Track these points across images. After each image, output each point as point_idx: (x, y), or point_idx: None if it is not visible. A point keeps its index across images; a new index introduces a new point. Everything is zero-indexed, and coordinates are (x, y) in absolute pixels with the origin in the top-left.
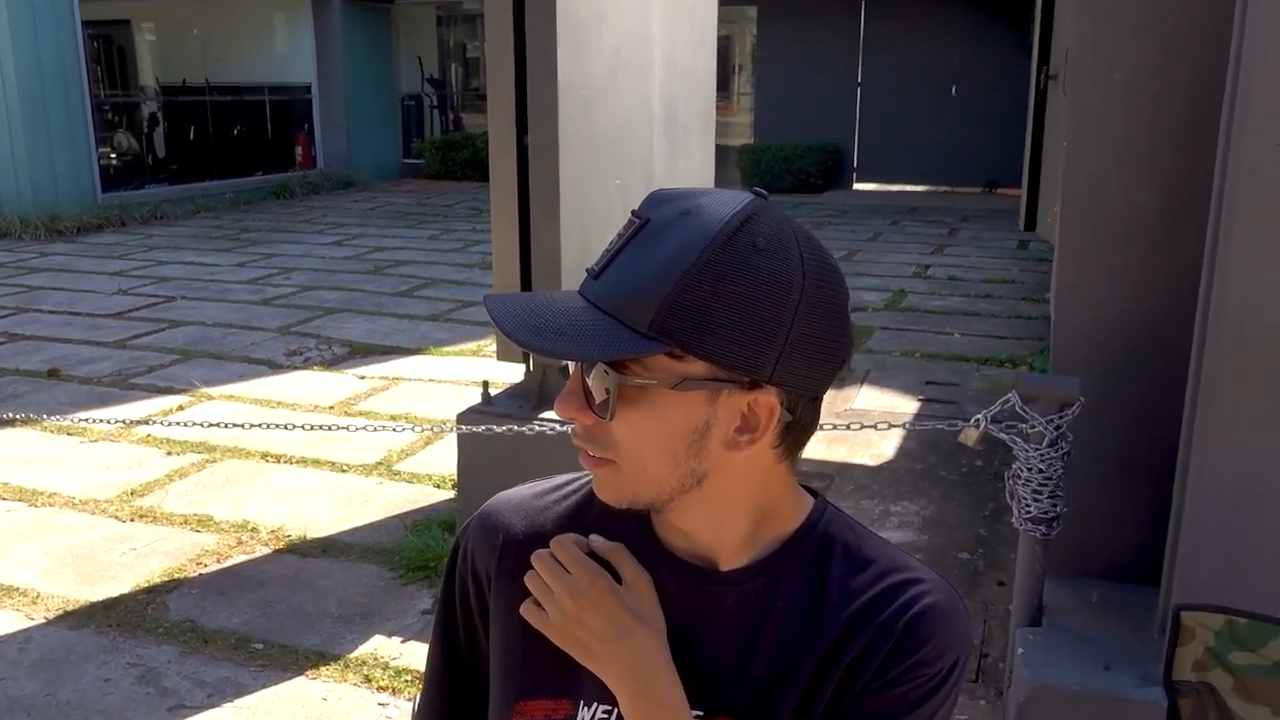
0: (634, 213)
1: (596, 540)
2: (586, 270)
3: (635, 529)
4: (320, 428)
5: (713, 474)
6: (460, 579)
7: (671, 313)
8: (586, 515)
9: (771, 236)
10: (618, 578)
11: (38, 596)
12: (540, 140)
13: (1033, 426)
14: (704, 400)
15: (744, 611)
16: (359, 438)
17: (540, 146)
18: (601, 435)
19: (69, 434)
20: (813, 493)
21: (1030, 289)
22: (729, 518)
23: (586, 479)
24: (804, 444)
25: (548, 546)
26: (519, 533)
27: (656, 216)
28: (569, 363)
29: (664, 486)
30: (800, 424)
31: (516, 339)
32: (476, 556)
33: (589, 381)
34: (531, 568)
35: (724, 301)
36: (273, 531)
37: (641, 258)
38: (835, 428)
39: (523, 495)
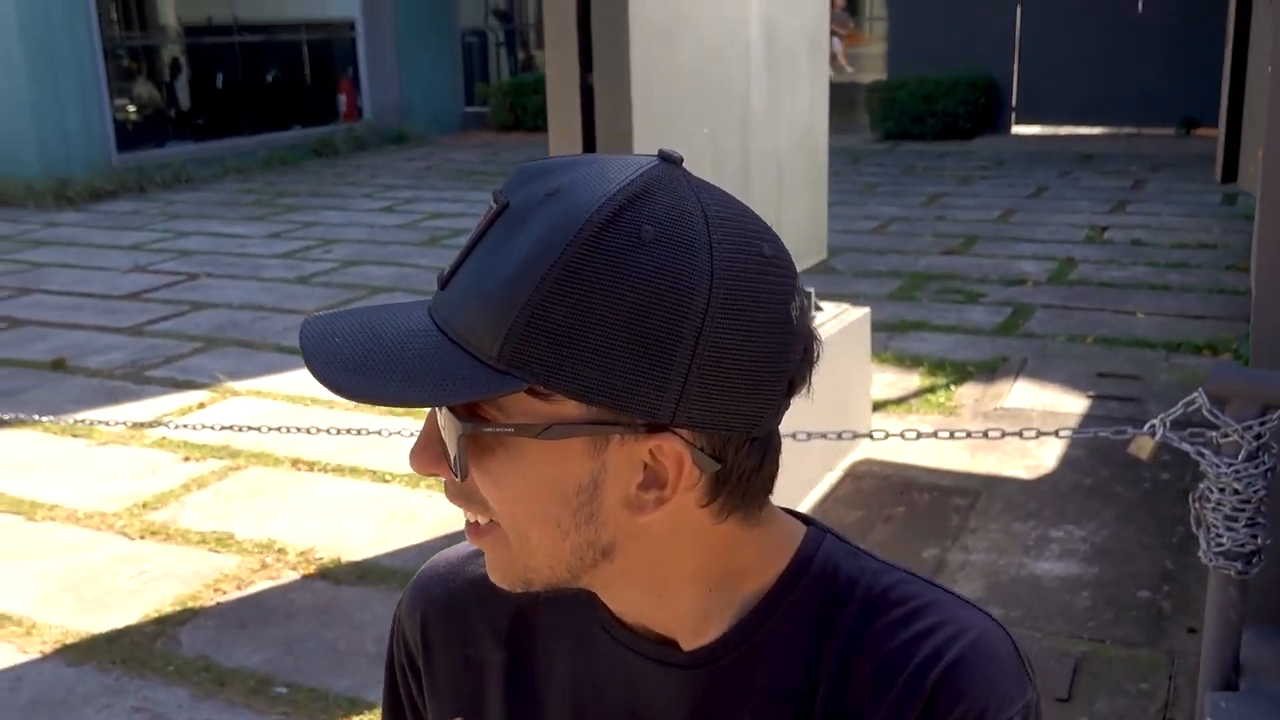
0: (496, 193)
1: None
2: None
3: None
4: (358, 431)
5: (623, 543)
6: (398, 665)
7: (527, 336)
8: None
9: (666, 221)
10: None
11: (33, 627)
12: (608, 78)
13: (1226, 435)
14: (584, 451)
15: (713, 699)
16: (405, 443)
17: (608, 86)
18: (473, 492)
19: (74, 435)
20: (805, 520)
21: (1237, 255)
22: (669, 592)
23: None
24: (760, 495)
25: (468, 626)
26: (441, 610)
27: (518, 199)
28: None
29: (557, 562)
30: (739, 472)
31: (325, 378)
32: (407, 635)
33: (441, 428)
34: (460, 650)
35: (597, 318)
36: (302, 553)
37: (495, 258)
38: (976, 435)
39: (455, 556)
